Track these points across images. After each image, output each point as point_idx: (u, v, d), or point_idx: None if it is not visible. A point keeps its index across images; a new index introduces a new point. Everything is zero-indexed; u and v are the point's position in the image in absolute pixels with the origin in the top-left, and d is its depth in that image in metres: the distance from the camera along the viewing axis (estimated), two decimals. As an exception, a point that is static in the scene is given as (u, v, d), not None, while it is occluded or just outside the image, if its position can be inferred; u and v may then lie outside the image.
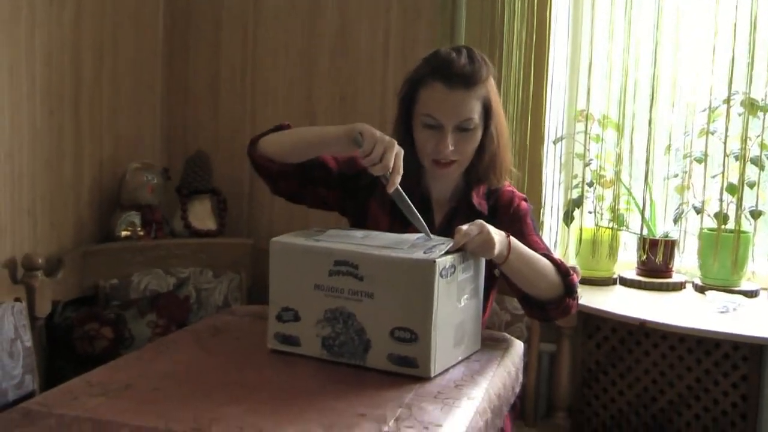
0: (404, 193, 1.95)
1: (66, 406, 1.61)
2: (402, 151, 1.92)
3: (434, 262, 1.74)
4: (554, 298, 2.05)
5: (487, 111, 2.11)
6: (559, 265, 2.06)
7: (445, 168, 2.13)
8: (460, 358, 1.92)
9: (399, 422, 1.54)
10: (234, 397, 1.68)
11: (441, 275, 1.76)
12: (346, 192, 2.21)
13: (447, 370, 1.85)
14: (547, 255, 2.08)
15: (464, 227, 1.86)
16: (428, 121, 2.08)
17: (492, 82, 2.12)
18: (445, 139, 2.07)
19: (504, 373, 1.94)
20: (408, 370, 1.79)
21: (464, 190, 2.21)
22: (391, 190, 1.91)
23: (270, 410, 1.60)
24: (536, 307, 2.09)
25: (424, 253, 1.79)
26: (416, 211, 1.96)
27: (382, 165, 1.87)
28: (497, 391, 1.84)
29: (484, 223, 1.89)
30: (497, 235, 1.90)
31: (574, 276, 2.08)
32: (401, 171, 1.91)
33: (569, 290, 2.06)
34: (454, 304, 1.85)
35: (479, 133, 2.11)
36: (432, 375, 1.79)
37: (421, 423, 1.54)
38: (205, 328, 2.17)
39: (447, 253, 1.81)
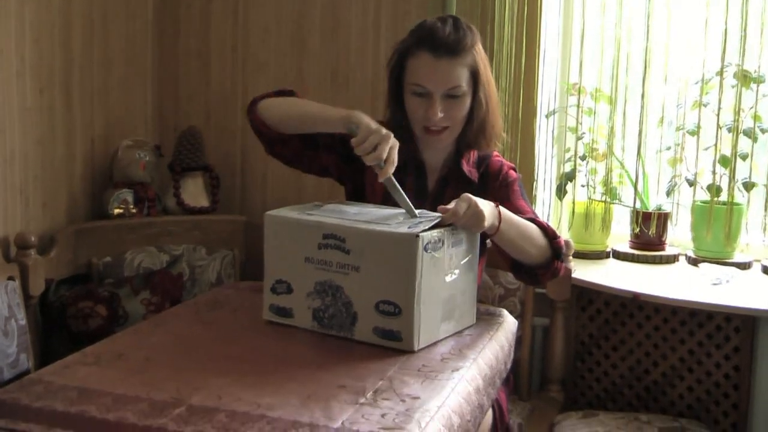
0: (396, 183, 1.97)
1: (56, 375, 1.66)
2: (397, 144, 1.96)
3: (417, 236, 1.76)
4: (543, 262, 2.12)
5: (474, 78, 2.16)
6: (545, 229, 2.12)
7: (436, 135, 2.18)
8: (450, 332, 1.94)
9: (377, 394, 1.57)
10: (221, 367, 1.71)
11: (425, 249, 1.78)
12: (347, 158, 2.23)
13: (435, 344, 1.87)
14: (534, 219, 2.14)
15: (451, 204, 1.89)
16: (417, 90, 2.14)
17: (479, 50, 2.18)
18: (434, 106, 2.13)
19: (496, 347, 1.96)
20: (392, 344, 1.82)
21: (455, 157, 2.26)
22: (381, 179, 1.95)
23: (253, 381, 1.63)
24: (526, 273, 2.15)
25: (409, 227, 1.81)
26: (407, 200, 1.98)
27: (374, 155, 1.91)
28: (489, 362, 1.86)
29: (472, 196, 1.90)
30: (486, 206, 1.92)
31: (561, 239, 2.14)
32: (395, 163, 1.96)
33: (557, 253, 2.12)
34: (441, 278, 1.86)
35: (468, 100, 2.17)
36: (415, 348, 1.81)
37: (399, 395, 1.57)
38: (205, 302, 2.22)
39: (434, 227, 1.82)
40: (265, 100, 2.21)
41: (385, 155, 1.91)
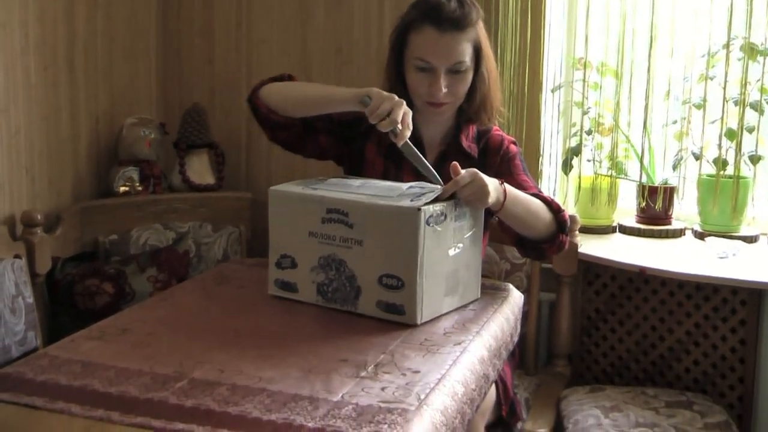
0: (413, 147, 1.98)
1: (61, 349, 1.68)
2: (410, 111, 1.98)
3: (419, 209, 1.76)
4: (548, 237, 2.12)
5: (477, 53, 2.16)
6: (550, 203, 2.12)
7: (439, 107, 2.17)
8: (454, 306, 1.94)
9: (378, 368, 1.58)
10: (225, 342, 1.73)
11: (427, 223, 1.78)
12: (345, 138, 2.26)
13: (439, 318, 1.88)
14: (537, 194, 2.14)
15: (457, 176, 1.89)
16: (420, 65, 2.13)
17: (482, 25, 2.18)
18: (438, 81, 2.12)
19: (501, 319, 1.96)
20: (395, 317, 1.82)
21: (455, 132, 2.26)
22: (401, 144, 1.96)
23: (256, 354, 1.65)
24: (531, 248, 2.16)
25: (411, 201, 1.81)
26: (426, 162, 2.00)
27: (389, 120, 1.92)
28: (493, 334, 1.86)
29: (477, 171, 1.90)
30: (491, 183, 1.92)
31: (566, 212, 2.14)
32: (411, 127, 1.97)
33: (561, 226, 2.12)
34: (445, 252, 1.86)
35: (470, 75, 2.17)
36: (418, 322, 1.82)
37: (400, 369, 1.57)
38: (212, 277, 2.24)
39: (437, 200, 1.82)
40: (267, 85, 2.20)
41: (399, 119, 1.92)
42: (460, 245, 1.91)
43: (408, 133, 1.95)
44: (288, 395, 1.44)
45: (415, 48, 2.14)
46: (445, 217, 1.83)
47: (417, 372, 1.56)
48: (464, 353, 1.69)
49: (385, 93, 1.96)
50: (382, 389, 1.48)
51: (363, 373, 1.55)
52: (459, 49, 2.11)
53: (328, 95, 2.13)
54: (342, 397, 1.44)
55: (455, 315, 1.91)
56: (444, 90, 2.12)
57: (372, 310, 1.85)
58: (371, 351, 1.66)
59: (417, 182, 1.99)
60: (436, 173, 1.97)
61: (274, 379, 1.50)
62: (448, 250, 1.87)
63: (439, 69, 2.11)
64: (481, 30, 2.17)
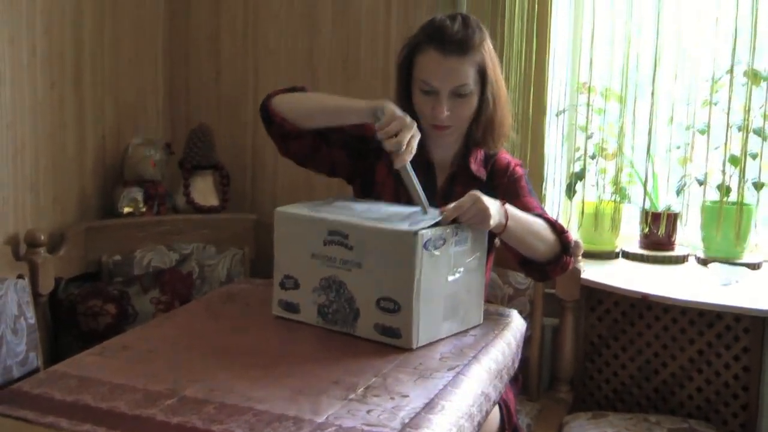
0: (412, 171, 1.99)
1: (61, 363, 1.70)
2: (419, 135, 1.99)
3: (415, 233, 1.76)
4: (552, 258, 2.11)
5: (482, 76, 2.16)
6: (554, 224, 2.12)
7: (442, 130, 2.18)
8: (453, 331, 1.94)
9: (368, 390, 1.58)
10: (222, 360, 1.74)
11: (425, 247, 1.78)
12: (357, 153, 2.27)
13: (437, 342, 1.87)
14: (542, 215, 2.14)
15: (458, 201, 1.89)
16: (425, 87, 2.14)
17: (487, 48, 2.17)
18: (441, 104, 2.13)
19: (503, 344, 1.95)
20: (392, 341, 1.82)
21: (463, 155, 2.27)
22: (397, 166, 1.97)
23: (250, 374, 1.65)
24: (535, 269, 2.15)
25: (410, 225, 1.81)
26: (420, 189, 1.99)
27: (396, 141, 1.94)
28: (493, 358, 1.85)
29: (480, 193, 1.90)
30: (493, 204, 1.92)
31: (569, 233, 2.14)
32: (413, 152, 1.98)
33: (566, 248, 2.12)
34: (444, 276, 1.86)
35: (475, 99, 2.17)
36: (414, 346, 1.81)
37: (390, 392, 1.57)
38: (219, 296, 2.26)
39: (436, 225, 1.82)
40: (280, 95, 2.21)
41: (405, 141, 1.94)
42: (461, 270, 1.91)
43: (408, 158, 1.96)
44: (273, 415, 1.44)
45: (419, 70, 2.15)
46: (445, 241, 1.83)
47: (406, 396, 1.56)
48: (457, 377, 1.68)
49: (399, 112, 1.98)
50: (368, 412, 1.48)
51: (352, 396, 1.55)
52: (462, 72, 2.11)
53: (341, 105, 2.14)
54: (327, 418, 1.44)
55: (454, 340, 1.91)
56: (447, 113, 2.13)
57: (370, 333, 1.85)
58: (364, 373, 1.66)
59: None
60: (426, 201, 1.97)
61: (262, 398, 1.51)
62: (448, 275, 1.87)
63: (442, 92, 2.12)
64: (487, 54, 2.16)
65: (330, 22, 3.33)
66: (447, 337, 1.91)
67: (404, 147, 1.94)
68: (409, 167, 1.98)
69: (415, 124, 1.98)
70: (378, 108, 1.98)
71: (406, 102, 2.21)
